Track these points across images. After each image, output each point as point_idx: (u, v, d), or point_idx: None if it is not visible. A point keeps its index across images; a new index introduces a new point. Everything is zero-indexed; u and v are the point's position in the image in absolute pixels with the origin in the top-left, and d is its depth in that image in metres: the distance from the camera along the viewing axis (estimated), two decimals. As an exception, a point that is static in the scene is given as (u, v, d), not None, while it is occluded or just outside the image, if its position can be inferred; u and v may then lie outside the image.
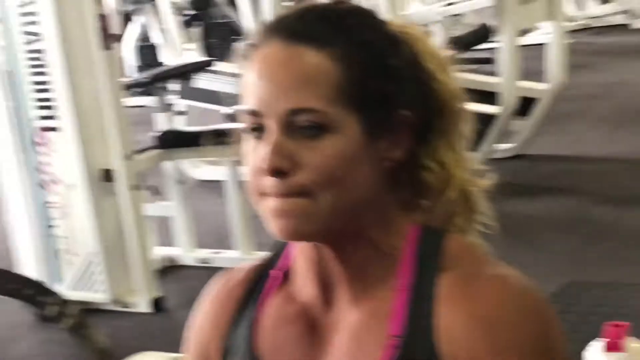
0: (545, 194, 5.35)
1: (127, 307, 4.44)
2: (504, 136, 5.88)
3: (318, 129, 1.14)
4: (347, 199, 1.16)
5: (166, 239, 5.07)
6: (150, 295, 4.42)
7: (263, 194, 1.17)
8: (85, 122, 4.26)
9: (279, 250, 1.30)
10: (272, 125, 1.15)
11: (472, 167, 1.25)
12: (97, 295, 4.40)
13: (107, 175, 4.29)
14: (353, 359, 1.19)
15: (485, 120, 5.52)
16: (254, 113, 1.16)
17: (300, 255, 1.24)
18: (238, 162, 4.64)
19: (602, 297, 3.93)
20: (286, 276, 1.27)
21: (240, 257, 4.62)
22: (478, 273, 1.17)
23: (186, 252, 4.99)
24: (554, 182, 5.56)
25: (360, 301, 1.21)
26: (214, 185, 5.93)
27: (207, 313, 1.33)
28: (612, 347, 1.63)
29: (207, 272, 1.37)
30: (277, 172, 1.14)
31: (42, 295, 3.46)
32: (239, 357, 1.27)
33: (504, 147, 6.01)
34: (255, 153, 1.17)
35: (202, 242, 5.08)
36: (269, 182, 1.15)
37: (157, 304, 4.42)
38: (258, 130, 1.17)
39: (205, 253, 4.94)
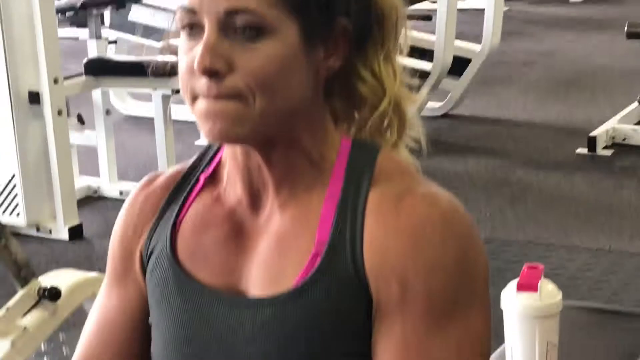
0: (470, 153, 5.40)
1: (44, 232, 4.39)
2: (435, 94, 5.90)
3: (255, 31, 1.12)
4: (280, 104, 1.14)
5: (89, 169, 5.02)
6: (69, 222, 4.37)
7: (195, 95, 1.15)
8: (15, 43, 4.18)
9: (208, 154, 1.28)
10: (208, 25, 1.12)
11: (406, 80, 1.24)
12: (15, 218, 4.34)
13: (34, 98, 4.23)
14: (277, 264, 1.18)
15: (418, 77, 5.52)
16: (190, 10, 1.13)
17: (229, 158, 1.22)
18: (166, 98, 4.63)
19: (518, 255, 3.99)
20: (214, 179, 1.26)
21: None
22: (409, 189, 1.17)
23: (108, 184, 4.94)
24: (480, 143, 5.61)
25: (287, 208, 1.20)
26: (142, 122, 5.88)
27: (127, 218, 1.30)
28: (525, 287, 1.65)
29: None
30: (210, 72, 1.12)
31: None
32: (159, 259, 1.25)
33: (434, 106, 6.05)
34: (189, 53, 1.14)
35: (125, 175, 5.03)
36: (202, 82, 1.13)
37: (75, 231, 4.38)
38: (193, 28, 1.14)
39: (127, 186, 4.88)
